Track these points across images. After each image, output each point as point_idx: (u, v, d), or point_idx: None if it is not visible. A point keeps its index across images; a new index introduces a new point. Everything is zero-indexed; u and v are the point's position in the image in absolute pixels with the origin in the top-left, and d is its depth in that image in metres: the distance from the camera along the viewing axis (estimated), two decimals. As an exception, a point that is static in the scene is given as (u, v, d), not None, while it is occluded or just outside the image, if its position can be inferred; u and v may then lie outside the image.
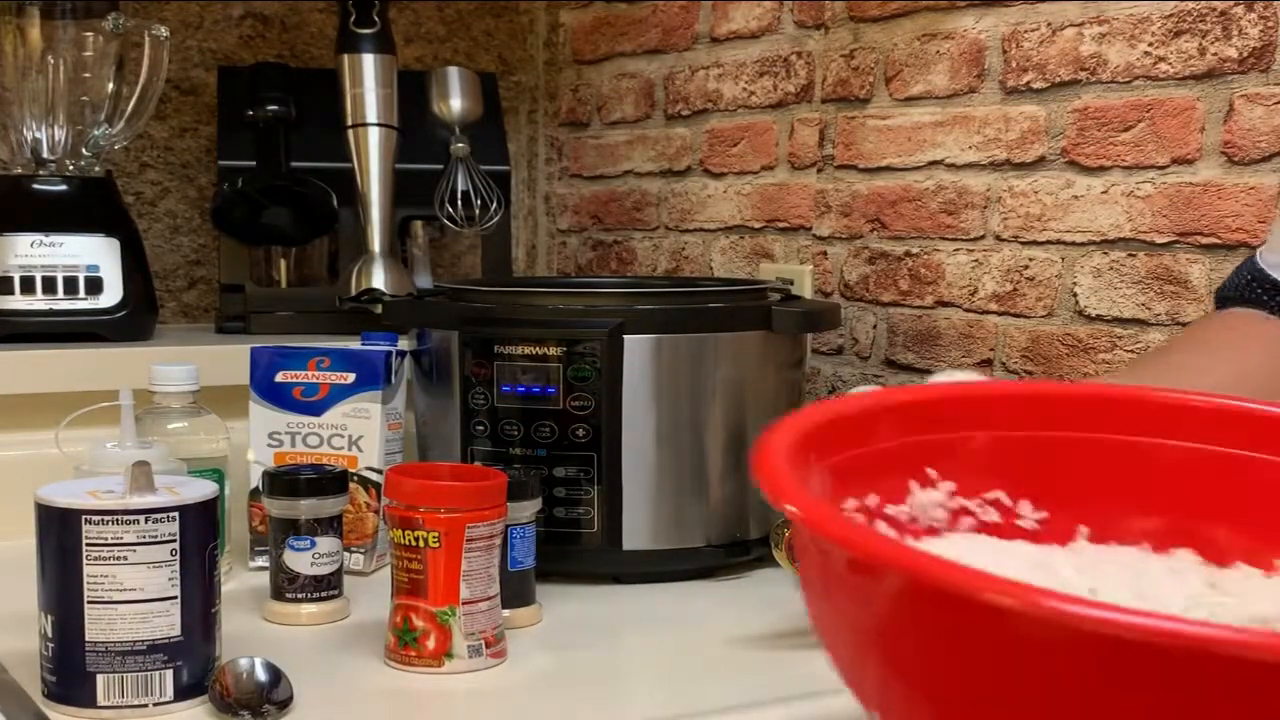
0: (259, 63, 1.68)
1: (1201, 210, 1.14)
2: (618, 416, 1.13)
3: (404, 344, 1.25)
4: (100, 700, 0.83)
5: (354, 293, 1.50)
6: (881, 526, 0.63)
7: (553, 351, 1.12)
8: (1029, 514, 0.66)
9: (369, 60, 1.55)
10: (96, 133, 1.45)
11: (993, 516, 0.66)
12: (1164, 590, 0.58)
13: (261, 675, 0.85)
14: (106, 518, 0.82)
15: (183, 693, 0.84)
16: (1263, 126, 1.09)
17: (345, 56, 1.56)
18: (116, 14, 1.44)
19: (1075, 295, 1.23)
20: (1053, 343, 1.25)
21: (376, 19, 1.56)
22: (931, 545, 0.63)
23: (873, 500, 0.63)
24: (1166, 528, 0.65)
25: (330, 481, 1.05)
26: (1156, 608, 0.54)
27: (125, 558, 0.82)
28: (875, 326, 1.43)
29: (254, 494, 1.16)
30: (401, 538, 0.92)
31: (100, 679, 0.82)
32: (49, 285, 1.40)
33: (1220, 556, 0.63)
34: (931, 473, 0.65)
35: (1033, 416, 0.67)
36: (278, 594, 1.04)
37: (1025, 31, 1.26)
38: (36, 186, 1.43)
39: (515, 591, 1.01)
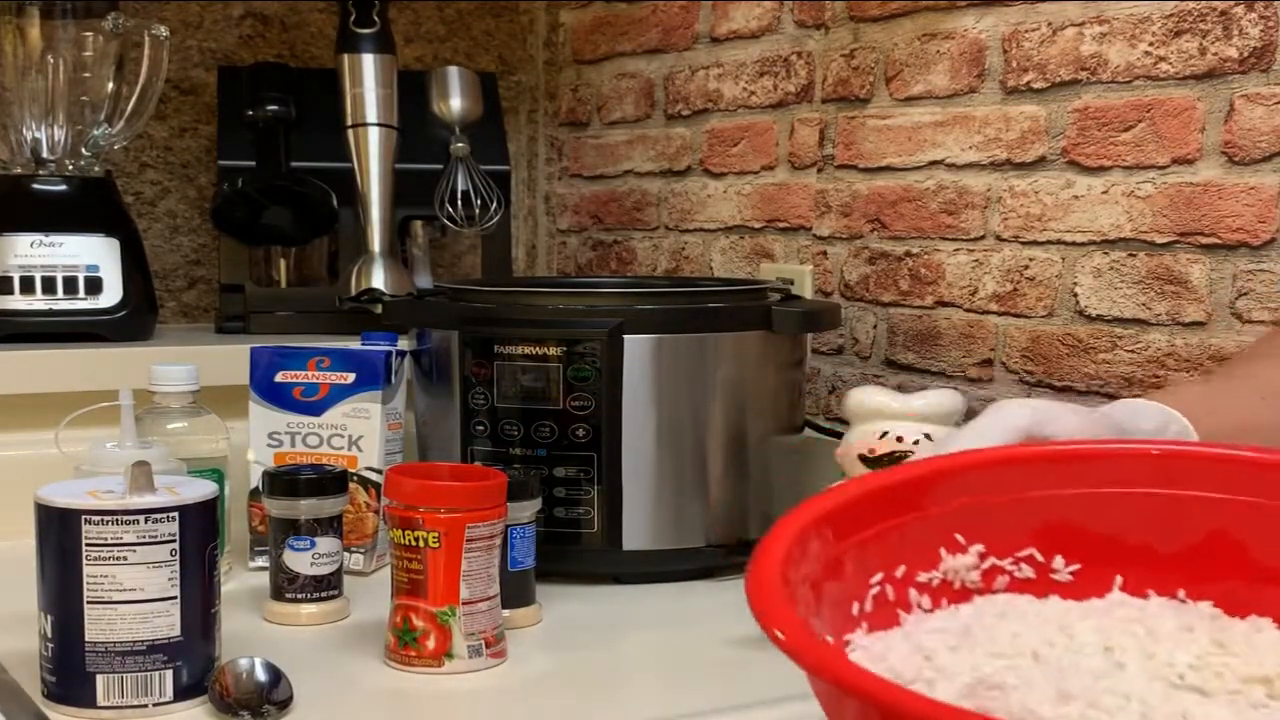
0: (259, 63, 1.68)
1: (1202, 210, 1.13)
2: (618, 416, 1.12)
3: (404, 344, 1.25)
4: (100, 700, 0.83)
5: (354, 293, 1.50)
6: (913, 595, 0.65)
7: (553, 351, 1.12)
8: (1062, 568, 0.68)
9: (369, 60, 1.55)
10: (96, 133, 1.45)
11: (1027, 573, 0.68)
12: (1173, 650, 0.59)
13: (261, 675, 0.85)
14: (106, 518, 0.82)
15: (183, 693, 0.84)
16: (1263, 126, 1.09)
17: (345, 56, 1.56)
18: (116, 14, 1.44)
19: (1075, 295, 1.23)
20: (1053, 343, 1.25)
21: (376, 19, 1.56)
22: (958, 613, 0.65)
23: (900, 571, 0.65)
24: (1191, 576, 0.67)
25: (330, 481, 1.05)
26: (1163, 669, 0.57)
27: (125, 558, 0.82)
28: (875, 326, 1.43)
29: (254, 494, 1.16)
30: (401, 538, 0.92)
31: (100, 679, 0.82)
32: (49, 285, 1.40)
33: (1237, 607, 0.65)
34: (959, 538, 0.67)
35: (1053, 476, 0.69)
36: (278, 594, 1.04)
37: (1025, 31, 1.26)
38: (36, 186, 1.43)
39: (515, 591, 1.01)
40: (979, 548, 0.67)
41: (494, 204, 1.59)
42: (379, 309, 1.37)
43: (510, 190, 1.69)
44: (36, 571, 0.85)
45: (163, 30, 1.46)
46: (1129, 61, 1.18)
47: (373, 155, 1.54)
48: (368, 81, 1.54)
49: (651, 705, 0.91)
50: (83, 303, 1.41)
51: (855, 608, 0.63)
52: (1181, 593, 0.67)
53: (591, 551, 1.14)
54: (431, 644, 0.92)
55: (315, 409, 1.18)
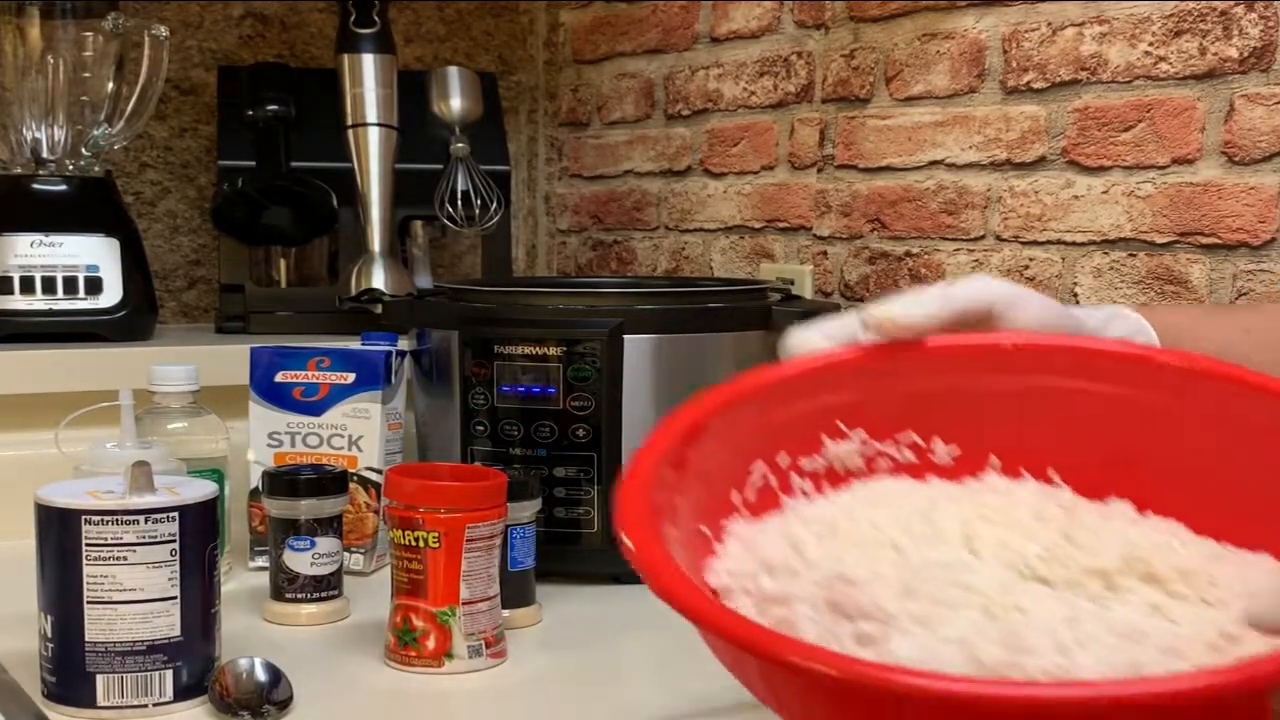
0: (259, 63, 1.68)
1: (1202, 210, 1.14)
2: (618, 416, 1.13)
3: (404, 344, 1.25)
4: (100, 700, 0.83)
5: (354, 293, 1.50)
6: (795, 479, 0.67)
7: (553, 351, 1.12)
8: (942, 450, 0.70)
9: (369, 60, 1.55)
10: (96, 133, 1.45)
11: (908, 456, 0.69)
12: (1024, 541, 0.61)
13: (261, 675, 0.85)
14: (106, 518, 0.82)
15: (183, 693, 0.84)
16: (1263, 126, 1.09)
17: (345, 56, 1.56)
18: (116, 14, 1.44)
19: (1076, 295, 1.23)
20: (1053, 343, 1.25)
21: (376, 19, 1.56)
22: (834, 500, 0.67)
23: (784, 459, 0.66)
24: (1059, 459, 0.69)
25: (330, 481, 1.05)
26: (1014, 559, 0.59)
27: (125, 558, 0.82)
28: (875, 326, 1.43)
29: (254, 494, 1.16)
30: (401, 538, 0.92)
31: (100, 679, 0.82)
32: (49, 285, 1.40)
33: (1098, 489, 0.67)
34: (840, 425, 0.68)
35: (926, 369, 0.70)
36: (277, 594, 1.04)
37: (1025, 31, 1.26)
38: (36, 186, 1.43)
39: (515, 591, 1.01)
40: (861, 433, 0.68)
41: (494, 204, 1.59)
42: (379, 309, 1.37)
43: (510, 190, 1.69)
44: (36, 571, 0.85)
45: (163, 30, 1.46)
46: (1129, 61, 1.18)
47: (373, 155, 1.54)
48: (368, 81, 1.54)
49: (651, 705, 0.91)
50: (83, 303, 1.41)
51: (736, 496, 0.64)
52: (1052, 472, 0.68)
53: (591, 551, 1.14)
54: (431, 644, 0.92)
55: (315, 409, 1.18)
